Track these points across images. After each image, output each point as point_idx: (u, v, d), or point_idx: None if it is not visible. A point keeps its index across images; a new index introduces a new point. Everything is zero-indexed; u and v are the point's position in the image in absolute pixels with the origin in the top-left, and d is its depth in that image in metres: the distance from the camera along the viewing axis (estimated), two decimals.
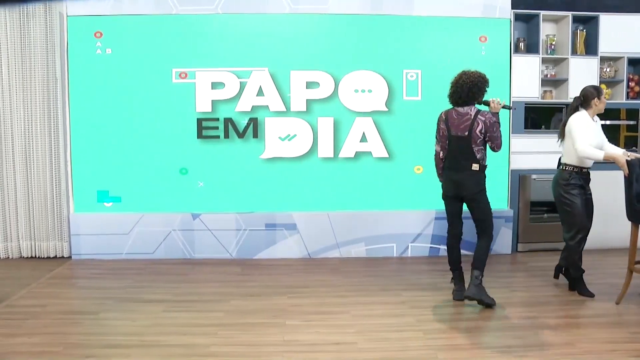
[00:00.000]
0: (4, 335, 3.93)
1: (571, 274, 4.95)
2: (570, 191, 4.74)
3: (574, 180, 4.73)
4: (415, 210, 6.08)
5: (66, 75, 5.92)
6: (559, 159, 4.91)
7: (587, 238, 4.88)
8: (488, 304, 4.49)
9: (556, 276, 5.16)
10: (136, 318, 4.30)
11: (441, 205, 5.87)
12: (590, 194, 4.87)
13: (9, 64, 5.88)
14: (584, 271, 4.87)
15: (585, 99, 4.76)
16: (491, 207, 4.68)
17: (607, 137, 5.96)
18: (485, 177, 4.67)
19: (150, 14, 5.89)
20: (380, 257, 6.08)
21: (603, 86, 6.34)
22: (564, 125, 4.81)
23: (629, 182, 4.43)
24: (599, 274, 5.46)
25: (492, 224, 4.67)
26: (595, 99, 4.72)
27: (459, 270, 4.78)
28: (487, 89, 4.61)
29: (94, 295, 4.89)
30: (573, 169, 4.74)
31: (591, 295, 4.76)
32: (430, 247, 6.12)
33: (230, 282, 5.27)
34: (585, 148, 4.57)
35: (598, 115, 4.89)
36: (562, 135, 4.85)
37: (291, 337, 3.96)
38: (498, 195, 6.25)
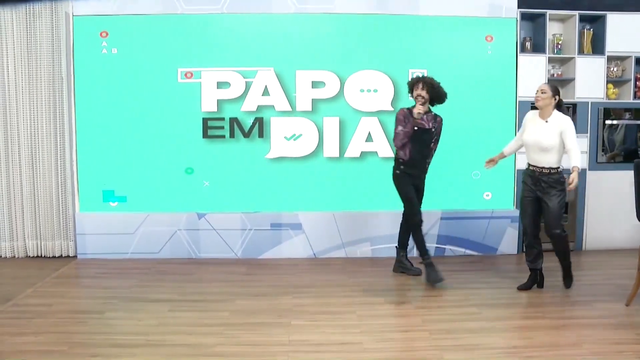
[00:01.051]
0: (10, 334, 3.94)
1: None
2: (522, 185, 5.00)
3: (523, 177, 4.91)
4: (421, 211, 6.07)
5: (72, 75, 5.93)
6: None
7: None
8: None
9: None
10: (142, 317, 4.31)
11: (447, 206, 5.87)
12: (545, 197, 4.72)
13: (15, 63, 5.89)
14: (535, 270, 4.96)
15: None
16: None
17: (616, 137, 5.95)
18: (395, 167, 5.28)
19: (156, 13, 5.89)
20: (386, 257, 6.05)
21: (610, 85, 6.31)
22: None
23: (638, 182, 4.40)
24: (606, 274, 5.44)
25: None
26: None
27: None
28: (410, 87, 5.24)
29: (99, 295, 4.89)
30: (527, 165, 4.89)
31: (525, 288, 4.97)
32: (436, 247, 6.10)
33: (236, 281, 5.27)
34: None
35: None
36: None
37: (296, 337, 3.96)
38: (504, 195, 6.22)
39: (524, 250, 5.03)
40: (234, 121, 6.00)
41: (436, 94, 5.12)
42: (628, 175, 6.24)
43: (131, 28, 5.90)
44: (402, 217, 5.40)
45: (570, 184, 4.45)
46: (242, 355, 3.67)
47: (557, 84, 6.43)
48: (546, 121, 4.69)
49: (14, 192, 6.02)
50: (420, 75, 5.27)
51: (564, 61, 6.39)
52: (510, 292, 4.92)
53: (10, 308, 4.49)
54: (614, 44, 6.21)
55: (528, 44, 6.30)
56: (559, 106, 4.77)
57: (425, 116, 5.13)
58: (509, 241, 6.20)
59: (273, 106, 6.00)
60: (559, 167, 4.71)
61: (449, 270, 5.60)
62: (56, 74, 5.94)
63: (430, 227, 6.06)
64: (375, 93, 6.03)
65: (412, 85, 5.19)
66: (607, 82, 6.28)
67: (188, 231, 6.02)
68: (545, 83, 4.81)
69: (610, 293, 4.82)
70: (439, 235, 6.08)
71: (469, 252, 6.15)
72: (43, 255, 6.11)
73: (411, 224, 5.21)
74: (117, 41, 5.91)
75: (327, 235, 6.08)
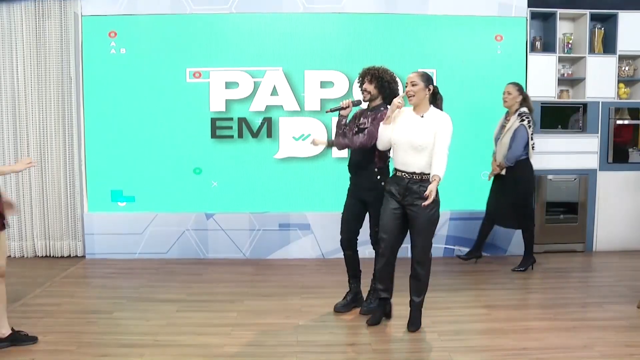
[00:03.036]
0: None
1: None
2: (383, 198, 4.10)
3: (387, 185, 4.08)
4: None
5: (81, 75, 5.94)
6: None
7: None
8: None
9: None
10: (150, 318, 4.30)
11: (456, 206, 5.80)
12: (414, 210, 3.93)
13: (24, 63, 5.91)
14: (387, 299, 4.21)
15: None
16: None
17: (627, 138, 5.88)
18: None
19: (165, 13, 5.89)
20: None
21: (621, 85, 6.25)
22: None
23: None
24: (617, 276, 5.39)
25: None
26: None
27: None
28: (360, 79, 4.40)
29: (107, 295, 4.89)
30: (393, 171, 4.09)
31: (374, 323, 4.18)
32: (445, 247, 6.07)
33: (244, 282, 5.26)
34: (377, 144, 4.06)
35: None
36: None
37: (305, 338, 3.94)
38: None
39: (375, 274, 4.24)
40: (242, 121, 6.00)
41: (384, 89, 4.26)
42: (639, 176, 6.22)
43: (140, 28, 5.91)
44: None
45: (426, 196, 3.75)
46: (250, 355, 3.65)
47: (567, 84, 6.40)
48: (422, 116, 3.94)
49: (23, 192, 6.04)
50: (372, 66, 4.31)
51: (574, 60, 6.34)
52: (520, 293, 4.89)
53: (19, 307, 4.50)
54: (625, 42, 6.14)
55: (538, 44, 6.25)
56: (435, 96, 4.03)
57: (369, 112, 4.32)
58: (518, 242, 6.14)
59: (282, 106, 5.99)
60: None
61: (458, 271, 5.59)
62: (65, 74, 5.95)
63: (439, 227, 5.98)
64: None
65: (361, 77, 4.33)
66: (619, 81, 6.22)
67: (196, 231, 6.02)
68: (416, 72, 3.95)
69: (621, 295, 4.77)
70: (448, 235, 6.05)
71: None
72: (51, 255, 6.12)
73: None
74: (126, 41, 5.91)
75: (336, 236, 6.00)
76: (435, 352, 3.72)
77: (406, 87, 3.93)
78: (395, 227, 3.99)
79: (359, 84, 4.40)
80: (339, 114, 4.39)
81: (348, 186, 4.54)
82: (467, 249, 6.03)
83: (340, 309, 4.48)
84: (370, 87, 4.26)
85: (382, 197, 4.14)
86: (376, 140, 4.13)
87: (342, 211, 4.56)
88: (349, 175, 4.52)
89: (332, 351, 3.73)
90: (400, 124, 3.96)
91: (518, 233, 6.10)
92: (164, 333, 4.01)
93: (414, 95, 3.89)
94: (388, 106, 4.19)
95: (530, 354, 3.65)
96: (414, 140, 3.87)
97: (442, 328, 4.08)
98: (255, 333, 4.01)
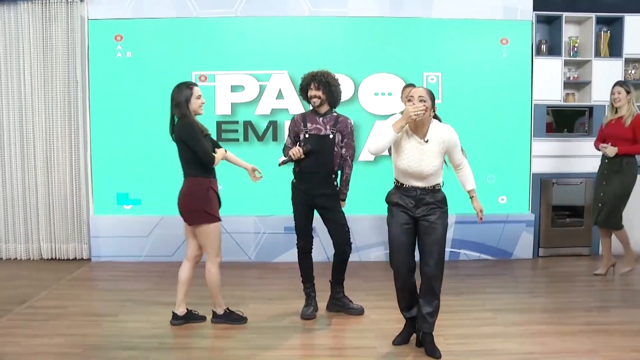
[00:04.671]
0: (25, 336, 3.96)
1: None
2: (388, 211, 3.86)
3: (391, 197, 3.84)
4: None
5: (87, 78, 5.97)
6: None
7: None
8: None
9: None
10: (155, 320, 4.31)
11: (461, 209, 5.78)
12: (430, 222, 3.68)
13: (31, 67, 5.94)
14: (413, 319, 3.87)
15: None
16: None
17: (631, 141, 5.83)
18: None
19: (171, 17, 5.92)
20: None
21: None
22: None
23: None
24: (622, 280, 5.37)
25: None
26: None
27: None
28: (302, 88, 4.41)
29: (113, 297, 4.90)
30: (395, 182, 3.85)
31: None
32: (451, 251, 6.06)
33: (249, 285, 5.27)
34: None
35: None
36: None
37: (310, 342, 3.95)
38: (519, 199, 6.17)
39: (397, 296, 3.85)
40: (248, 124, 6.01)
41: (332, 93, 4.30)
42: None
43: (146, 32, 5.94)
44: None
45: (481, 217, 3.90)
46: (255, 359, 3.65)
47: (572, 87, 6.38)
48: (426, 141, 3.71)
49: (29, 194, 6.07)
50: (315, 72, 4.29)
51: (580, 64, 6.33)
52: (526, 297, 4.87)
53: (25, 310, 4.52)
54: (631, 45, 6.13)
55: (544, 47, 6.25)
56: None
57: (321, 119, 4.35)
58: (524, 245, 6.14)
59: (287, 109, 6.00)
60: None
61: (464, 274, 5.57)
62: (71, 77, 5.98)
63: None
64: (390, 96, 6.01)
65: (306, 84, 4.31)
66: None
67: None
68: (422, 87, 3.73)
69: (627, 299, 4.76)
70: (454, 239, 6.04)
71: (483, 256, 6.11)
72: (57, 258, 6.15)
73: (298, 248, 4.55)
74: (132, 45, 5.94)
75: None
76: (442, 356, 3.70)
77: (408, 101, 3.60)
78: (409, 244, 3.72)
79: (302, 90, 4.37)
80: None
81: (292, 193, 4.57)
82: (472, 252, 6.02)
83: (309, 316, 4.38)
84: (318, 93, 4.26)
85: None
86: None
87: (294, 218, 4.60)
88: (292, 180, 4.54)
89: (337, 355, 3.73)
90: (407, 152, 3.68)
91: (524, 236, 6.09)
92: (170, 336, 4.02)
93: (423, 113, 3.53)
94: (341, 114, 4.40)
95: (535, 358, 3.64)
96: (424, 171, 3.65)
97: (448, 332, 4.07)
98: (260, 336, 4.01)
